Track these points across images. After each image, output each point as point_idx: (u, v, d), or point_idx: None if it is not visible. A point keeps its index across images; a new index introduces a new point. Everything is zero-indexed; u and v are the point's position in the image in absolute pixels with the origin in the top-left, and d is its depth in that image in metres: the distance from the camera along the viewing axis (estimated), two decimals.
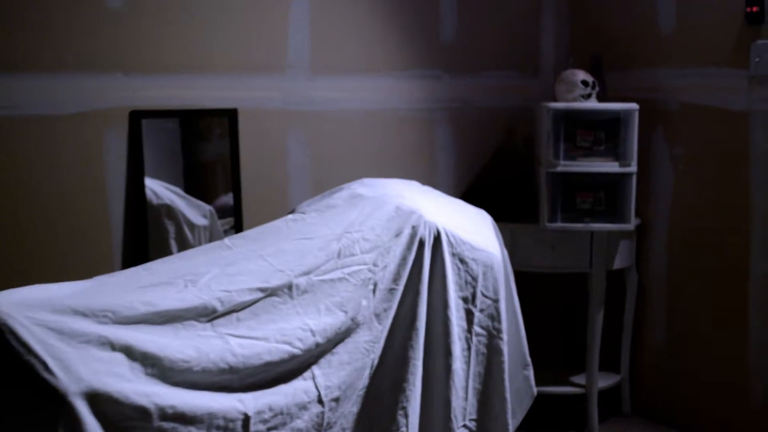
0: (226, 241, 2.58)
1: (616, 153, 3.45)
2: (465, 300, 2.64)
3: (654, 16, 3.62)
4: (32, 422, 1.92)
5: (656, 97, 3.62)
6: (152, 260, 2.82)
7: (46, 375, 1.90)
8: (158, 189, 3.18)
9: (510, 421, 2.68)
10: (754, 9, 3.18)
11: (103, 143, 3.04)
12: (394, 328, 2.51)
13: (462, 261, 2.63)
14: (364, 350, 2.45)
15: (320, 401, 2.34)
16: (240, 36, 3.27)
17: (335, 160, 3.50)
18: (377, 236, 2.56)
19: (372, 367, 2.47)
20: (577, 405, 3.71)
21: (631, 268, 3.72)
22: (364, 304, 2.46)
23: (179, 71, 3.16)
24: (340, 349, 2.41)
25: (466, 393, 2.60)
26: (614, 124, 3.46)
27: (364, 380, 2.45)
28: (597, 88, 3.57)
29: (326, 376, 2.36)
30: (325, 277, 2.45)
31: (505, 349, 2.67)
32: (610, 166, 3.45)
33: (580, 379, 3.71)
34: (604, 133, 3.48)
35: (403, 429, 2.46)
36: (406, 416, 2.46)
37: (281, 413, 2.25)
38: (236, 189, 3.31)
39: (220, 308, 2.26)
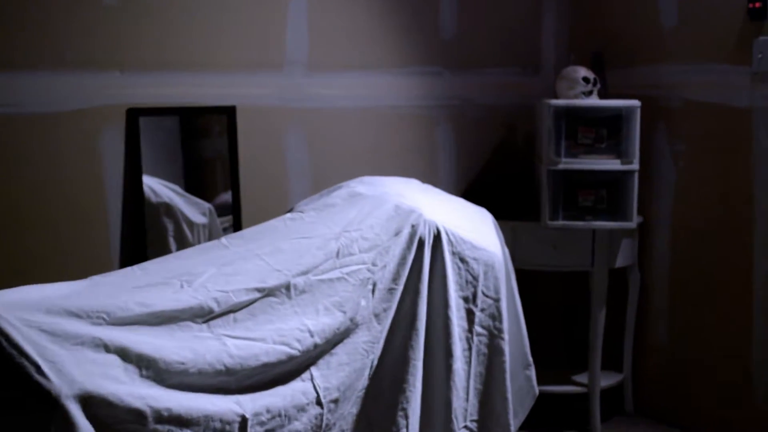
0: (223, 240, 2.56)
1: (618, 150, 3.43)
2: (466, 299, 2.62)
3: (656, 12, 3.60)
4: (24, 425, 1.89)
5: (658, 93, 3.59)
6: (150, 258, 2.83)
7: (38, 377, 1.88)
8: (157, 187, 3.17)
9: (511, 422, 2.66)
10: (757, 5, 3.16)
11: (101, 141, 3.02)
12: (393, 328, 2.49)
13: (462, 260, 2.61)
14: (363, 351, 2.42)
15: (319, 403, 2.32)
16: (238, 33, 3.26)
17: (334, 157, 3.49)
18: (376, 235, 2.54)
19: (371, 367, 2.45)
20: (579, 404, 3.69)
21: (634, 267, 3.70)
22: (363, 304, 2.44)
23: (177, 68, 3.15)
24: (339, 349, 2.39)
25: (467, 393, 2.59)
26: (616, 121, 3.44)
27: (363, 381, 2.44)
28: (598, 85, 3.55)
29: (325, 377, 2.34)
30: (324, 276, 2.43)
31: (507, 348, 2.65)
32: (612, 164, 3.43)
33: (582, 378, 3.69)
34: (605, 131, 3.46)
35: (404, 430, 2.45)
36: (406, 417, 2.44)
37: (279, 415, 2.23)
38: (235, 187, 3.30)
39: (216, 309, 2.24)
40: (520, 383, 2.83)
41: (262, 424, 2.19)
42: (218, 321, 2.23)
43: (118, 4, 3.01)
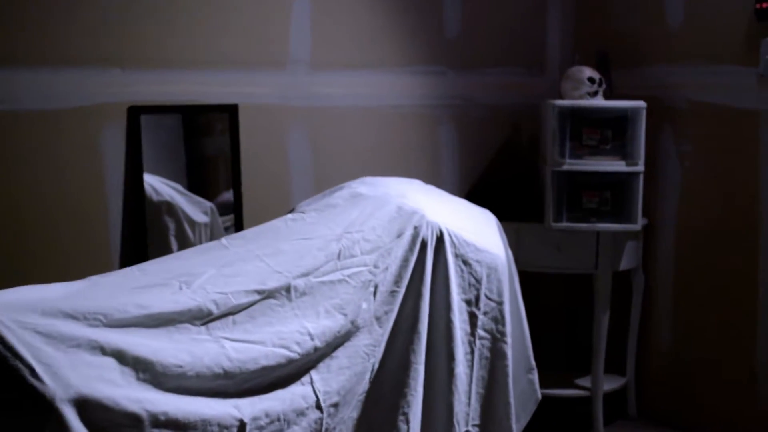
0: (223, 240, 2.54)
1: (623, 152, 3.42)
2: (468, 302, 2.59)
3: (662, 12, 3.59)
4: (19, 429, 1.86)
5: (664, 94, 3.59)
6: (151, 257, 2.82)
7: (32, 380, 1.85)
8: (158, 185, 3.16)
9: (514, 426, 2.64)
10: (765, 5, 3.15)
11: (101, 139, 3.00)
12: (395, 331, 2.46)
13: (465, 262, 2.58)
14: (364, 354, 2.40)
15: (319, 407, 2.29)
16: (241, 31, 3.24)
17: (336, 156, 3.47)
18: (378, 237, 2.52)
19: (372, 371, 2.42)
20: (582, 408, 3.67)
21: (638, 269, 3.68)
22: (364, 306, 2.41)
23: (179, 66, 3.13)
24: (340, 353, 2.36)
25: (469, 398, 2.56)
26: (621, 122, 3.43)
27: (364, 385, 2.41)
28: (604, 86, 3.54)
29: (325, 380, 2.31)
30: (325, 278, 2.40)
31: (509, 352, 2.63)
32: (617, 165, 3.42)
33: (585, 381, 3.68)
34: (610, 132, 3.45)
35: None
36: (407, 422, 2.42)
37: (278, 419, 2.20)
38: (236, 186, 3.29)
39: (215, 311, 2.20)
40: (523, 387, 2.81)
41: (260, 428, 2.16)
42: (217, 323, 2.20)
43: (120, 1, 2.99)
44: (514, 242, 3.34)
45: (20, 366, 1.85)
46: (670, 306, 3.66)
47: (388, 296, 2.46)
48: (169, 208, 3.20)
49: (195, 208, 3.25)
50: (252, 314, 2.26)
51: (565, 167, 3.40)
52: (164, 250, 3.10)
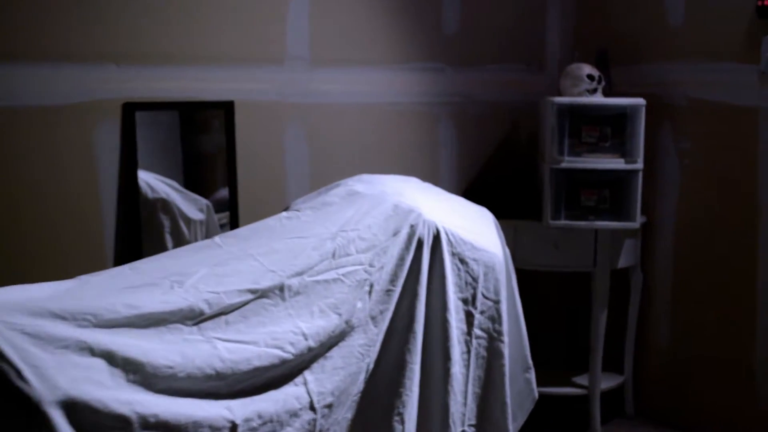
0: (217, 239, 2.51)
1: (622, 149, 3.41)
2: (465, 302, 2.57)
3: (662, 9, 3.58)
4: None
5: (663, 92, 3.58)
6: (146, 255, 2.80)
7: (19, 383, 1.82)
8: (153, 182, 3.14)
9: (510, 426, 2.63)
10: (766, 2, 3.15)
11: (96, 136, 2.98)
12: (390, 331, 2.44)
13: (462, 261, 2.56)
14: (359, 354, 2.38)
15: (312, 408, 2.27)
16: (237, 26, 3.22)
17: (334, 154, 3.46)
18: (374, 235, 2.49)
19: (367, 371, 2.40)
20: (579, 406, 3.67)
21: (636, 268, 3.68)
22: (359, 306, 2.39)
23: (174, 62, 3.11)
24: (334, 353, 2.34)
25: (465, 398, 2.54)
26: (620, 119, 3.42)
27: (358, 385, 2.38)
28: (603, 83, 3.53)
29: (319, 381, 2.29)
30: (319, 277, 2.38)
31: (506, 351, 2.61)
32: (616, 163, 3.41)
33: (582, 380, 3.68)
34: (609, 129, 3.44)
35: None
36: (402, 422, 2.40)
37: (271, 421, 2.17)
38: (232, 183, 3.27)
39: (207, 311, 2.18)
40: (520, 387, 2.79)
41: (253, 430, 2.14)
42: (209, 323, 2.17)
43: None
44: (512, 240, 3.34)
45: (6, 368, 1.82)
46: (668, 304, 3.65)
47: (384, 295, 2.44)
48: (165, 205, 3.18)
49: (190, 206, 3.24)
50: (245, 314, 2.24)
51: (564, 165, 3.40)
52: (159, 247, 3.09)
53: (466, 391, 2.55)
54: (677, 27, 3.53)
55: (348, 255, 2.44)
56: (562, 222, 3.42)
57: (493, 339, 2.61)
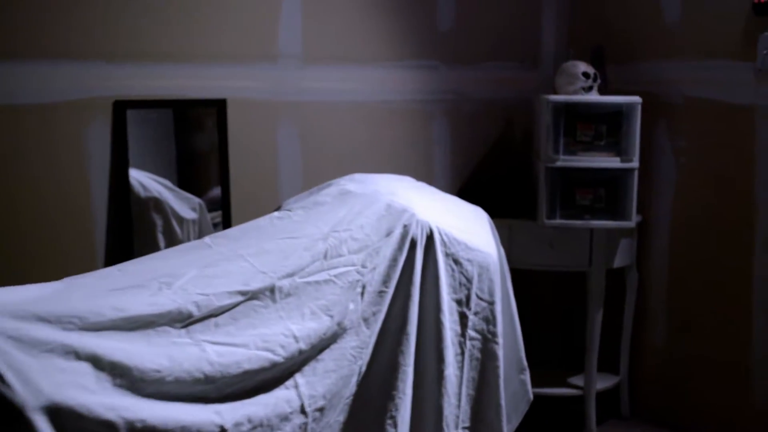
0: (207, 239, 2.49)
1: (618, 148, 3.40)
2: (459, 303, 2.54)
3: (658, 6, 3.57)
4: None
5: (659, 90, 3.56)
6: (137, 254, 2.79)
7: (2, 388, 1.78)
8: (146, 181, 3.13)
9: (505, 428, 2.61)
10: (762, 0, 3.09)
11: (86, 134, 2.96)
12: (383, 333, 2.41)
13: (456, 262, 2.54)
14: (351, 357, 2.35)
15: (303, 411, 2.23)
16: (229, 24, 3.20)
17: (327, 152, 3.44)
18: (366, 236, 2.47)
19: (359, 374, 2.37)
20: (574, 407, 3.66)
21: (632, 267, 3.67)
22: (351, 307, 2.36)
23: (165, 60, 3.09)
24: (326, 355, 2.31)
25: (459, 400, 2.52)
26: (616, 117, 3.40)
27: (351, 388, 2.36)
28: (598, 81, 3.52)
29: (310, 384, 2.26)
30: (310, 279, 2.34)
31: (501, 353, 2.59)
32: (612, 162, 3.40)
33: (578, 380, 3.66)
34: (605, 127, 3.42)
35: None
36: (395, 425, 2.37)
37: (261, 425, 2.14)
38: (224, 182, 3.26)
39: (196, 313, 2.14)
40: (515, 388, 2.77)
41: None
42: (198, 326, 2.14)
43: None
44: (507, 239, 3.33)
45: None
46: (664, 304, 3.64)
47: (376, 297, 2.41)
48: (157, 204, 3.16)
49: (183, 205, 3.22)
50: (235, 316, 2.20)
51: (559, 163, 3.39)
52: (151, 246, 3.07)
53: (459, 393, 2.52)
54: (673, 24, 3.51)
55: (340, 256, 2.41)
56: (558, 221, 3.41)
57: (487, 340, 2.58)
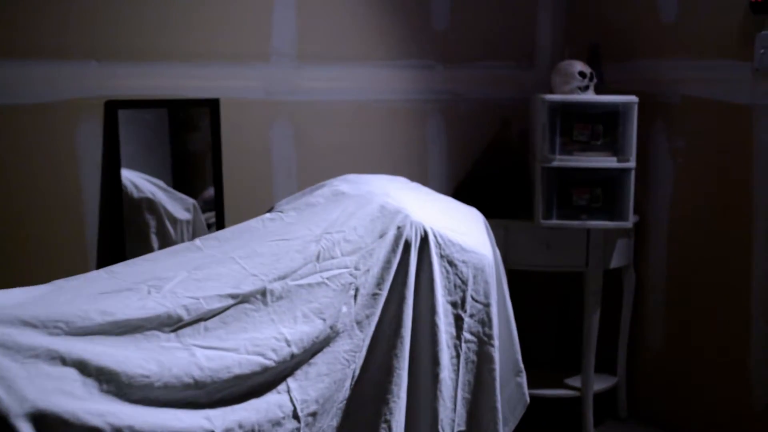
0: (197, 241, 2.45)
1: (615, 147, 3.39)
2: (454, 305, 2.52)
3: (655, 5, 3.56)
4: None
5: (656, 89, 3.55)
6: (130, 256, 2.77)
7: None
8: (139, 182, 3.11)
9: (501, 431, 2.56)
10: None
11: (77, 135, 2.94)
12: (377, 335, 2.38)
13: (451, 263, 2.51)
14: (344, 360, 2.32)
15: (296, 416, 2.20)
16: (222, 22, 3.18)
17: (322, 153, 3.42)
18: (360, 237, 2.44)
19: (353, 378, 2.34)
20: (571, 408, 3.65)
21: (629, 267, 3.65)
22: (344, 310, 2.33)
23: (157, 59, 3.07)
24: (318, 359, 2.28)
25: (455, 403, 2.49)
26: (613, 117, 3.40)
27: (344, 392, 2.33)
28: (595, 80, 3.51)
29: (302, 388, 2.22)
30: (303, 281, 2.31)
31: (497, 355, 2.57)
32: (608, 161, 3.38)
33: (575, 381, 3.65)
34: (602, 127, 3.42)
35: None
36: (389, 430, 2.34)
37: (252, 430, 2.11)
38: (218, 183, 3.24)
39: (186, 317, 2.11)
40: (511, 391, 2.75)
41: None
42: (187, 330, 2.10)
43: None
44: (503, 240, 3.32)
45: None
46: (662, 305, 3.63)
47: (370, 299, 2.38)
48: (150, 204, 3.14)
49: (177, 205, 3.21)
50: (225, 320, 2.17)
51: (555, 163, 3.37)
52: (145, 247, 3.05)
53: (455, 397, 2.50)
54: (670, 23, 3.50)
55: (333, 258, 2.38)
56: (554, 221, 3.40)
57: (483, 343, 2.56)
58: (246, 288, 2.23)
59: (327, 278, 2.34)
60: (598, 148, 3.40)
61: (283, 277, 2.30)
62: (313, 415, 2.24)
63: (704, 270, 3.44)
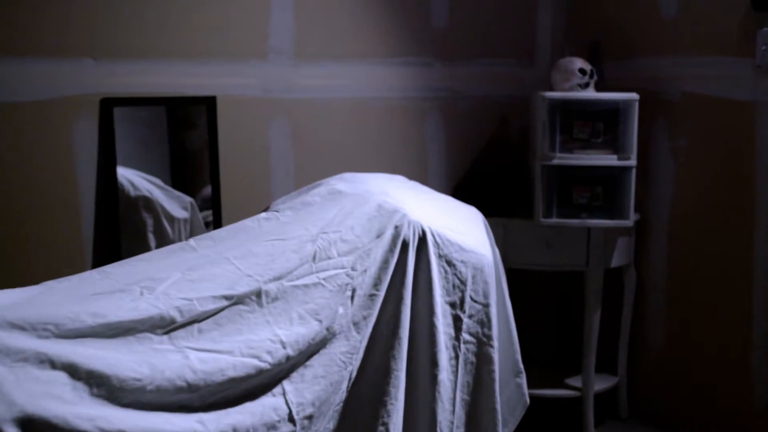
0: (191, 241, 2.43)
1: (615, 145, 3.37)
2: (452, 305, 2.49)
3: (655, 2, 3.54)
4: None
5: (657, 86, 3.54)
6: (126, 255, 2.78)
7: None
8: (136, 180, 3.11)
9: None
10: None
11: (73, 132, 2.94)
12: (374, 337, 2.36)
13: (449, 263, 2.49)
14: (340, 362, 2.29)
15: (291, 420, 2.17)
16: (219, 19, 3.17)
17: (320, 151, 3.41)
18: (357, 237, 2.41)
19: (350, 380, 2.31)
20: (572, 408, 3.64)
21: (630, 266, 3.64)
22: (340, 311, 2.31)
23: (153, 57, 3.06)
24: (315, 361, 2.25)
25: (453, 405, 2.47)
26: (613, 114, 3.38)
27: (341, 395, 2.30)
28: (595, 77, 3.49)
29: (298, 391, 2.20)
30: (299, 282, 2.29)
31: (496, 356, 2.55)
32: (609, 159, 3.37)
33: (575, 381, 3.64)
34: (602, 125, 3.40)
35: None
36: None
37: None
38: (215, 181, 3.24)
39: (179, 318, 2.09)
40: (511, 392, 2.73)
41: None
42: (181, 332, 2.08)
43: None
44: (503, 239, 3.31)
45: None
46: (663, 304, 3.62)
47: (367, 300, 2.36)
48: (147, 203, 3.14)
49: (174, 204, 3.20)
50: (219, 322, 2.14)
51: (555, 161, 3.35)
52: (142, 246, 3.04)
53: (454, 398, 2.47)
54: (671, 20, 3.48)
55: (329, 258, 2.35)
56: (554, 220, 3.39)
57: (482, 344, 2.54)
58: (241, 289, 2.21)
59: (323, 279, 2.32)
60: (599, 146, 3.38)
61: (278, 278, 2.27)
62: (309, 418, 2.21)
63: (705, 269, 3.42)
